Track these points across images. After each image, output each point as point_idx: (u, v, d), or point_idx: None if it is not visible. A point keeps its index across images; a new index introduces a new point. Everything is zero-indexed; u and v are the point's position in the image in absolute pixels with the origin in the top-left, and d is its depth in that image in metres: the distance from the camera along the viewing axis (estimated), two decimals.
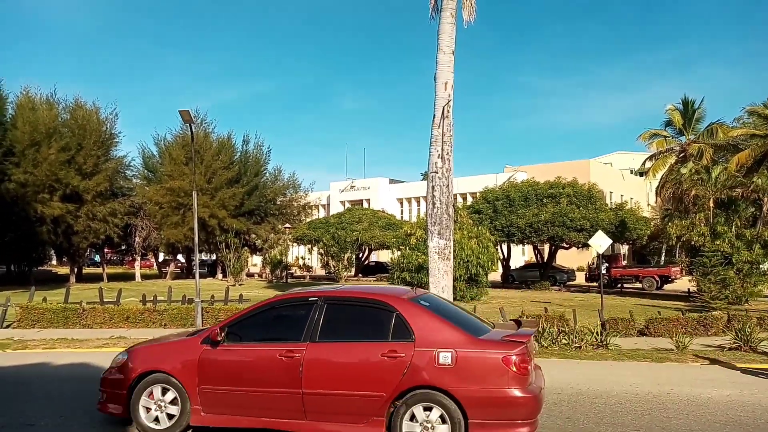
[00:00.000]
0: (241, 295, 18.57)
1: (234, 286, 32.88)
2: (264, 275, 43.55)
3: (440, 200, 14.22)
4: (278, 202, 43.85)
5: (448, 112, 14.61)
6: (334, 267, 40.64)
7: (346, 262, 40.52)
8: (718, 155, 36.01)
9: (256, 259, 49.75)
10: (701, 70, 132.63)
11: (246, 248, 40.27)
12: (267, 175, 44.43)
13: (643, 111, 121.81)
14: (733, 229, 24.44)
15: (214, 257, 46.19)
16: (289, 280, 40.11)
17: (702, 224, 25.17)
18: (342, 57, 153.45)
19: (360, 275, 46.28)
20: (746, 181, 28.37)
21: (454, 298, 23.11)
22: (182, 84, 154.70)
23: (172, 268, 44.32)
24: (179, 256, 51.51)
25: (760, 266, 23.96)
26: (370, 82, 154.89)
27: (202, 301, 14.53)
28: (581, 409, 7.26)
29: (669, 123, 38.58)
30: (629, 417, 6.91)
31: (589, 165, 52.71)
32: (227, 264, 38.46)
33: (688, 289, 26.19)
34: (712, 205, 27.31)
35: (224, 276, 39.40)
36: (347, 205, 63.12)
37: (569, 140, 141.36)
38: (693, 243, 24.43)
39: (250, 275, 44.07)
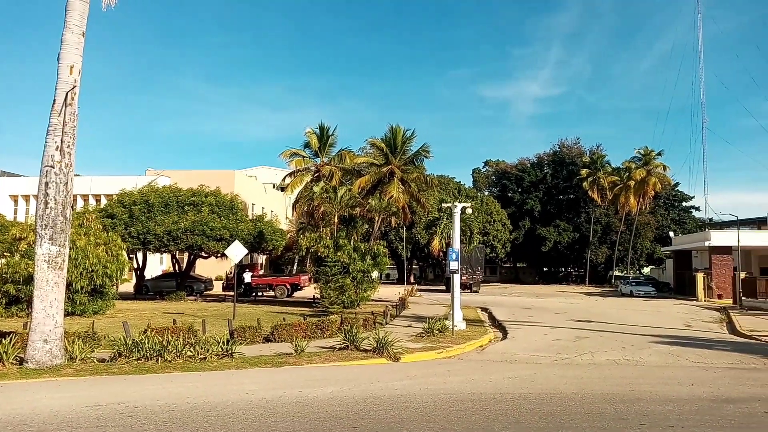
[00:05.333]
0: None
1: None
2: None
3: (55, 199, 12.31)
4: None
5: (73, 99, 12.92)
6: None
7: None
8: (346, 178, 41.02)
9: None
10: (340, 101, 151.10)
11: None
12: None
13: (293, 131, 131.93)
14: (352, 243, 28.08)
15: None
16: None
17: (328, 237, 28.22)
18: None
19: None
20: (364, 202, 33.04)
21: (73, 313, 20.55)
22: None
23: None
24: None
25: (371, 274, 28.08)
26: None
27: None
28: (190, 426, 6.95)
29: (308, 145, 42.29)
30: (239, 426, 6.91)
31: (234, 176, 53.79)
32: None
33: (314, 295, 28.88)
34: (336, 221, 30.84)
35: None
36: None
37: (220, 149, 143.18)
38: (320, 254, 27.11)
39: None
